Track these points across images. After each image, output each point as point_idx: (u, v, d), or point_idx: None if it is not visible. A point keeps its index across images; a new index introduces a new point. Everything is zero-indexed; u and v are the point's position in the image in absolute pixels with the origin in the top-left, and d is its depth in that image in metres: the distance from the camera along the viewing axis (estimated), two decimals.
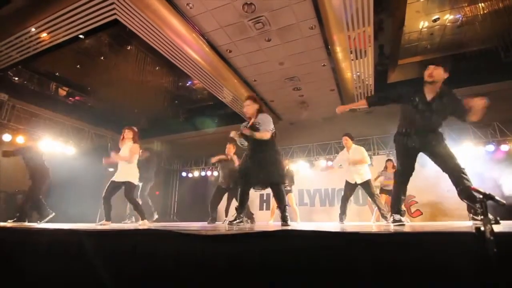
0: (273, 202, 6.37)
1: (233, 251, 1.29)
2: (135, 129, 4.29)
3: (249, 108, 3.15)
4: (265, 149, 3.00)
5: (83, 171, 7.04)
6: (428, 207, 7.24)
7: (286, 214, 2.98)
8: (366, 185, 4.48)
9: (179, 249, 1.44)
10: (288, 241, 1.19)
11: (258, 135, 2.95)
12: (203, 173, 10.38)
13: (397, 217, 2.42)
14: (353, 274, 1.02)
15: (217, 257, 1.32)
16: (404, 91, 2.55)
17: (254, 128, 3.00)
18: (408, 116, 2.48)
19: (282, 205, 3.01)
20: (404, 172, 2.52)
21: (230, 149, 5.27)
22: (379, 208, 4.44)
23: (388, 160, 6.26)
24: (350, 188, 4.64)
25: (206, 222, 5.01)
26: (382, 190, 5.97)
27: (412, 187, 7.11)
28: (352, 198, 4.99)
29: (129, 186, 3.98)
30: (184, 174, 10.82)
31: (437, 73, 2.33)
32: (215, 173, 10.13)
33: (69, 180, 6.80)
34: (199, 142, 10.00)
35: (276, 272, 1.16)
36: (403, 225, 2.32)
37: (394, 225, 2.36)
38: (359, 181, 4.50)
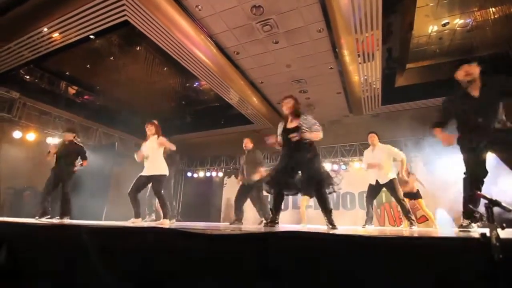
0: (302, 204, 6.11)
1: (235, 251, 1.30)
2: (156, 122, 4.20)
3: (289, 107, 3.05)
4: (309, 149, 2.92)
5: (90, 169, 7.13)
6: (433, 213, 7.16)
7: (332, 217, 2.84)
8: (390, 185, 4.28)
9: (183, 248, 1.46)
10: (290, 242, 1.20)
11: (314, 135, 2.90)
12: (208, 174, 10.42)
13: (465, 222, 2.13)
14: (354, 278, 1.03)
15: (220, 256, 1.33)
16: (447, 102, 2.55)
17: (298, 128, 2.92)
18: (463, 122, 2.38)
19: (327, 209, 2.86)
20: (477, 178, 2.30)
21: (249, 143, 5.10)
22: (405, 213, 4.24)
23: None
24: (373, 189, 4.50)
25: (229, 223, 4.96)
26: None
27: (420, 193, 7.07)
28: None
29: (158, 180, 3.86)
30: (189, 174, 10.87)
31: (473, 70, 2.31)
32: (220, 174, 10.18)
33: (75, 178, 6.90)
34: (205, 142, 10.06)
35: (278, 273, 1.17)
36: (468, 231, 2.02)
37: (460, 230, 2.14)
38: (381, 181, 4.33)
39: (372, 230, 3.24)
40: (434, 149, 7.08)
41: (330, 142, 8.59)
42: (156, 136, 4.05)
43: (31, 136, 6.89)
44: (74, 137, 4.84)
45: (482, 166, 2.28)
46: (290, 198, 8.90)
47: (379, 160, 4.39)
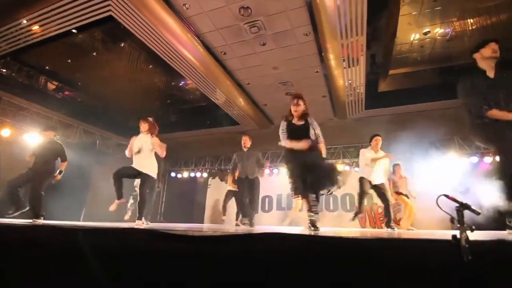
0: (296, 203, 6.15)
1: (218, 252, 1.29)
2: (152, 120, 4.10)
3: (300, 108, 3.01)
4: (317, 152, 2.98)
5: (69, 168, 6.89)
6: (415, 215, 7.38)
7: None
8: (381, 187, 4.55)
9: (165, 249, 1.44)
10: (273, 243, 1.21)
11: (323, 151, 3.04)
12: (192, 174, 10.31)
13: None
14: (336, 278, 1.05)
15: (202, 258, 1.32)
16: (469, 87, 2.42)
17: (307, 129, 2.96)
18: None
19: (316, 210, 2.87)
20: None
21: (248, 141, 5.00)
22: (388, 215, 4.49)
23: (396, 165, 6.28)
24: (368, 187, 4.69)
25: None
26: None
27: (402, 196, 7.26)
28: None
29: (145, 179, 3.83)
30: (173, 174, 10.72)
31: (498, 49, 2.33)
32: (205, 174, 10.09)
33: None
34: (190, 142, 9.96)
35: (262, 274, 1.18)
36: None
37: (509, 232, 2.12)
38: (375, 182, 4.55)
39: (350, 231, 3.32)
40: (414, 153, 7.33)
41: None
42: (149, 134, 3.97)
43: (6, 132, 6.59)
44: (55, 135, 4.59)
45: None
46: (275, 199, 8.95)
47: (380, 162, 4.62)
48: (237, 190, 5.26)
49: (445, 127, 6.98)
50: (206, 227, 3.97)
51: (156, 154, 4.05)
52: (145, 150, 3.88)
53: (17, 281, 1.76)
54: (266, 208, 8.94)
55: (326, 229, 3.91)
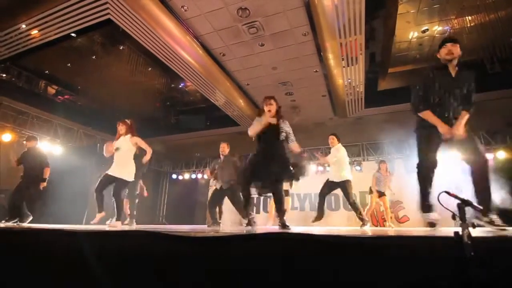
0: (271, 205, 6.26)
1: (218, 253, 1.30)
2: (128, 121, 4.05)
3: (273, 107, 3.13)
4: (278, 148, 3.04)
5: (70, 171, 6.91)
6: (415, 213, 7.38)
7: (285, 218, 2.95)
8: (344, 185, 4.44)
9: (167, 251, 1.44)
10: (272, 243, 1.21)
11: (296, 149, 3.14)
12: (193, 176, 10.33)
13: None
14: (335, 276, 1.05)
15: (204, 259, 1.32)
16: (426, 77, 2.41)
17: (278, 129, 3.04)
18: (439, 100, 2.32)
19: (282, 209, 2.99)
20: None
21: (225, 148, 5.03)
22: (357, 211, 4.44)
23: (382, 161, 6.38)
24: (329, 186, 4.59)
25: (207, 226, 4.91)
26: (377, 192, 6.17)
27: (400, 192, 7.28)
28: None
29: (121, 183, 3.78)
30: (174, 176, 10.74)
31: (455, 50, 2.32)
32: (205, 176, 10.10)
33: (56, 180, 6.66)
34: (190, 144, 9.96)
35: (260, 275, 1.18)
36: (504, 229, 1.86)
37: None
38: (336, 180, 4.47)
39: (349, 230, 3.31)
40: (414, 151, 7.32)
41: (315, 144, 8.71)
42: (128, 136, 3.91)
43: (7, 137, 6.60)
44: (36, 144, 4.96)
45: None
46: (262, 200, 8.95)
47: (338, 159, 4.55)
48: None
49: None
50: (209, 228, 3.97)
51: (138, 156, 4.01)
52: (123, 154, 3.83)
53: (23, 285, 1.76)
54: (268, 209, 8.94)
55: (328, 228, 3.92)
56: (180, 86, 8.28)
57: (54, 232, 1.93)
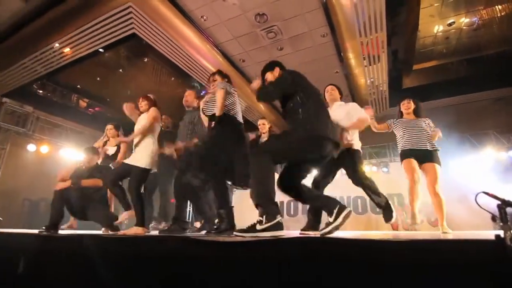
0: None
1: (245, 258, 1.31)
2: (152, 96, 3.36)
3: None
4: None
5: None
6: (450, 215, 6.96)
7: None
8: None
9: (195, 255, 1.48)
10: (306, 248, 1.20)
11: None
12: None
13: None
14: (368, 283, 1.02)
15: (233, 263, 1.34)
16: None
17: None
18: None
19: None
20: None
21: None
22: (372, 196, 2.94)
23: None
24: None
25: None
26: None
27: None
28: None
29: (135, 173, 2.80)
30: None
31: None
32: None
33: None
34: None
35: (296, 278, 1.17)
36: None
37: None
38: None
39: (383, 234, 3.12)
40: (445, 149, 6.96)
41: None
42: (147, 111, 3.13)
43: (44, 148, 7.06)
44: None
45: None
46: (300, 204, 8.84)
47: None
48: None
49: (480, 121, 6.60)
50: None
51: (158, 138, 3.11)
52: (135, 135, 3.03)
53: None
54: (292, 213, 8.85)
55: (361, 233, 3.81)
56: (201, 93, 8.46)
57: (93, 238, 2.03)
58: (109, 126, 3.96)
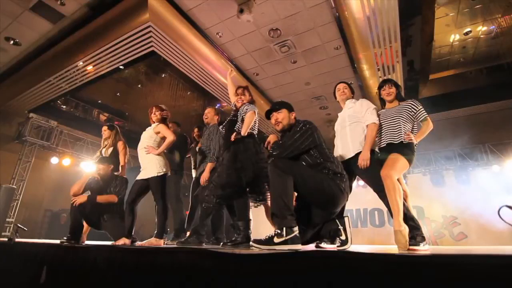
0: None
1: (263, 271, 1.31)
2: (164, 107, 3.37)
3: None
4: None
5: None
6: (474, 230, 6.65)
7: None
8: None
9: (214, 268, 1.49)
10: (327, 263, 1.19)
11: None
12: None
13: None
14: None
15: (247, 276, 1.34)
16: None
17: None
18: None
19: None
20: None
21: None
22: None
23: None
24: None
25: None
26: None
27: (453, 206, 6.67)
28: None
29: (152, 183, 2.86)
30: None
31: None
32: None
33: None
34: None
35: None
36: None
37: None
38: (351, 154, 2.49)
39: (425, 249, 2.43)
40: (465, 160, 6.72)
41: None
42: (155, 124, 3.20)
43: (66, 161, 7.35)
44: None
45: None
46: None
47: None
48: None
49: (502, 130, 6.37)
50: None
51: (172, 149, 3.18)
52: (143, 146, 3.12)
53: None
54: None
55: (382, 247, 3.70)
56: (216, 106, 8.62)
57: (109, 248, 2.08)
58: (104, 128, 4.09)
